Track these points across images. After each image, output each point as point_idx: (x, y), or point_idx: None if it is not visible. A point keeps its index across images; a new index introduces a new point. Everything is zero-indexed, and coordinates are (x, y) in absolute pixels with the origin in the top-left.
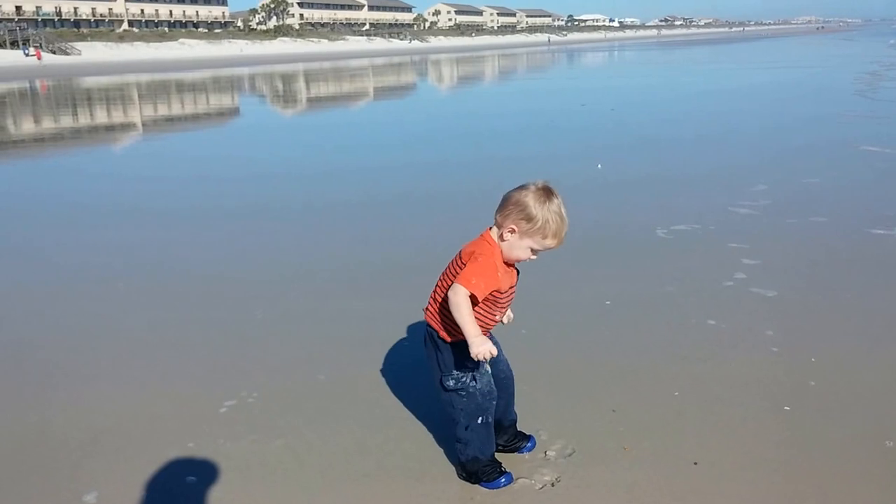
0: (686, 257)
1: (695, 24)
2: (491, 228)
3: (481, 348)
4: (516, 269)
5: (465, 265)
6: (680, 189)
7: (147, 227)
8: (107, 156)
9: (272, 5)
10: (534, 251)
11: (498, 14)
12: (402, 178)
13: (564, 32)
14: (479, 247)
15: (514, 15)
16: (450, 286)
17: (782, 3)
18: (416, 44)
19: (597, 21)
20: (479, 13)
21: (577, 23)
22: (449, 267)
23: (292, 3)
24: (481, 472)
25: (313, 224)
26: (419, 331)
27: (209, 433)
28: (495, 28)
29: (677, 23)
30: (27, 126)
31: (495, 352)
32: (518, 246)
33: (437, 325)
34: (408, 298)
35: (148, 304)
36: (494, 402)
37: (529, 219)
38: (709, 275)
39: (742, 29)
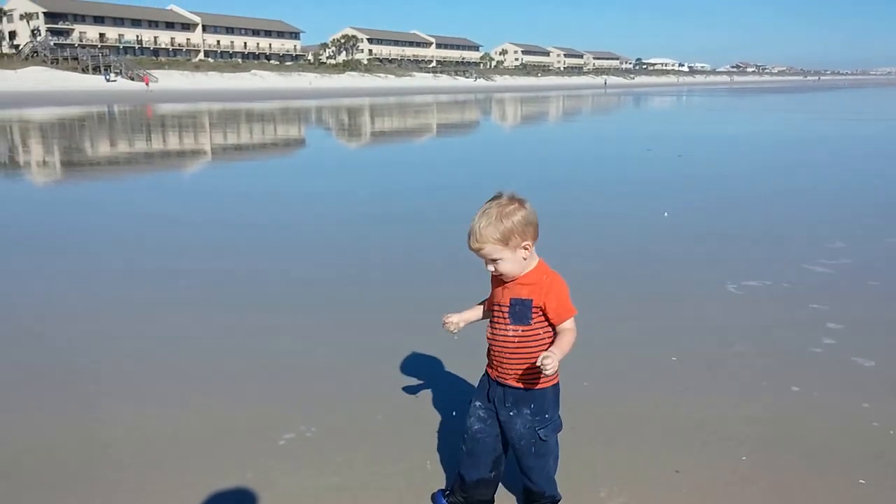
0: (760, 316)
1: (768, 71)
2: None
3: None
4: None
5: (543, 304)
6: (751, 242)
7: (204, 257)
8: (174, 181)
9: (342, 40)
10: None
11: (565, 55)
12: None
13: (632, 76)
14: (541, 276)
15: (581, 56)
16: (525, 329)
17: (861, 52)
18: (481, 82)
19: (665, 65)
20: (546, 53)
21: (645, 66)
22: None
23: (362, 39)
24: None
25: (377, 259)
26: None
27: (267, 465)
28: (562, 69)
29: (749, 69)
30: (102, 149)
31: None
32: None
33: (530, 378)
34: (471, 342)
35: (214, 333)
36: None
37: (536, 227)
38: (789, 337)
39: (818, 78)
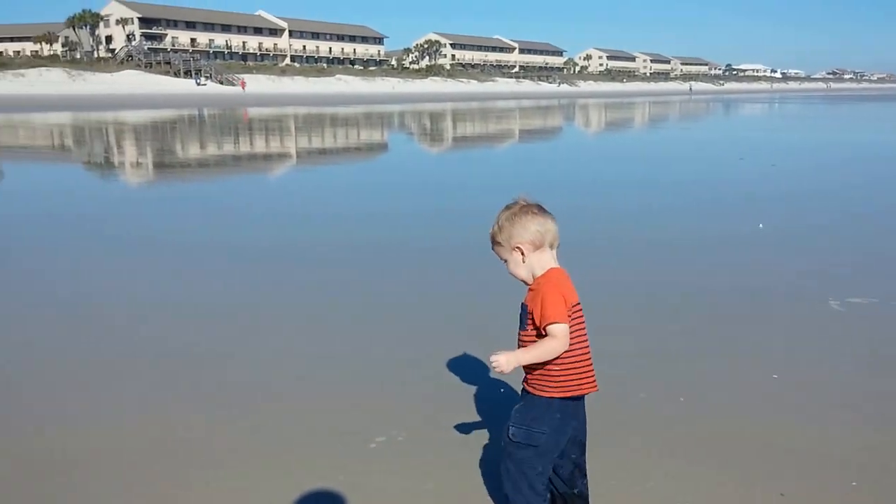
0: (866, 334)
1: (866, 78)
2: (553, 262)
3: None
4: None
5: (529, 306)
6: (853, 257)
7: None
8: (262, 184)
9: (426, 45)
10: None
11: (651, 61)
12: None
13: (721, 82)
14: (541, 282)
15: (668, 62)
16: (523, 333)
17: None
18: (564, 87)
19: (757, 71)
20: (632, 59)
21: (735, 72)
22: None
23: (445, 45)
24: None
25: (465, 264)
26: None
27: (359, 468)
28: (647, 74)
29: (846, 76)
30: (192, 150)
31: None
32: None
33: (528, 382)
34: None
35: (310, 338)
36: None
37: (543, 235)
38: None
39: None
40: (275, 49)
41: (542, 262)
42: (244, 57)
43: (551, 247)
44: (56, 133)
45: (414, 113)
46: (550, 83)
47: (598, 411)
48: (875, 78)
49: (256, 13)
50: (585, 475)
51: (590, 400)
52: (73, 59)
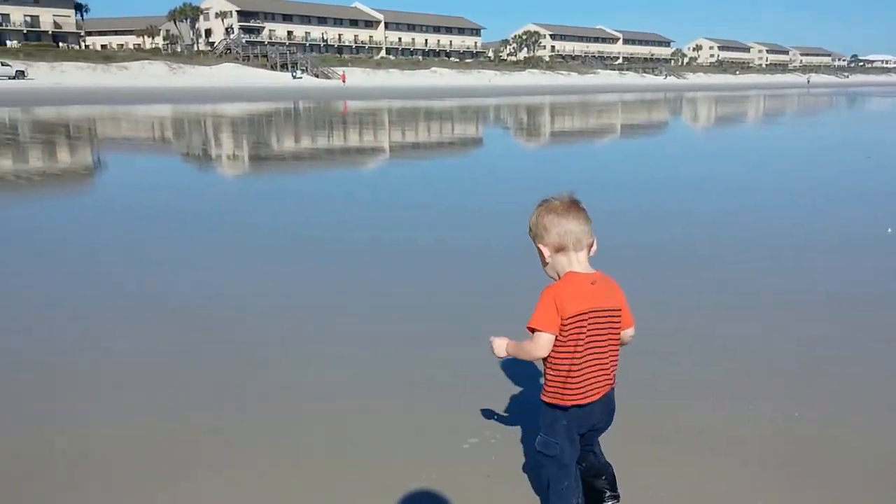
0: None
1: None
2: (575, 266)
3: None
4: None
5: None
6: None
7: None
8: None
9: (524, 37)
10: None
11: (767, 51)
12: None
13: (845, 74)
14: (614, 282)
15: (786, 52)
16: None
17: None
18: (671, 80)
19: (886, 62)
20: (746, 49)
21: (861, 63)
22: (610, 327)
23: (544, 35)
24: None
25: None
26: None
27: (452, 467)
28: (763, 66)
29: None
30: (286, 143)
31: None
32: None
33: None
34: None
35: (407, 341)
36: None
37: (564, 237)
38: None
39: None
40: (370, 41)
41: (561, 264)
42: (339, 50)
43: (575, 249)
44: (156, 125)
45: (510, 107)
46: (656, 75)
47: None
48: None
49: (353, 5)
50: (600, 456)
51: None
52: (173, 53)
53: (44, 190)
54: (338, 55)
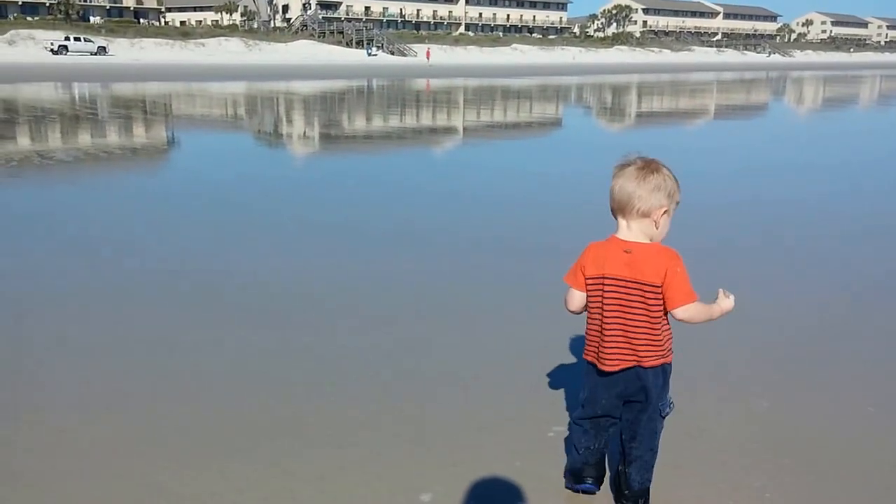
0: None
1: None
2: (619, 232)
3: (723, 308)
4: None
5: (659, 287)
6: None
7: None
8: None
9: (614, 11)
10: None
11: (888, 27)
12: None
13: None
14: (663, 257)
15: None
16: (652, 316)
17: None
18: (775, 58)
19: None
20: (864, 25)
21: None
22: (629, 299)
23: (636, 10)
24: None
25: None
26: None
27: (535, 456)
28: (882, 43)
29: None
30: (357, 123)
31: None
32: (668, 224)
33: (653, 358)
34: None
35: (479, 331)
36: None
37: (670, 194)
38: None
39: None
40: (449, 17)
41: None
42: (417, 26)
43: (620, 213)
44: (230, 102)
45: (592, 86)
46: (758, 53)
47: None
48: None
49: None
50: (630, 455)
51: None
52: (250, 29)
53: (114, 166)
54: (415, 31)
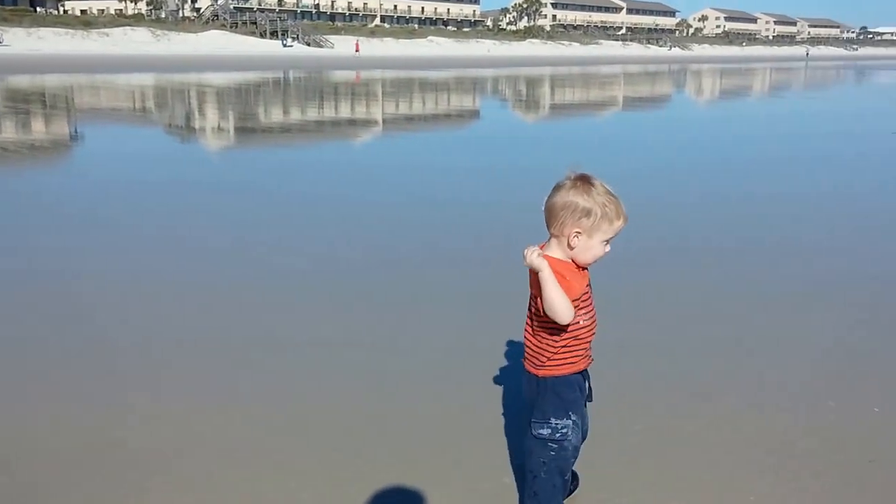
0: None
1: None
2: (545, 245)
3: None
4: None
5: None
6: None
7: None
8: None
9: (524, 5)
10: (607, 242)
11: (775, 22)
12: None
13: (854, 46)
14: (555, 264)
15: (794, 24)
16: (538, 318)
17: None
18: (676, 51)
19: None
20: (754, 20)
21: (871, 36)
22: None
23: (545, 4)
24: None
25: None
26: None
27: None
28: (770, 38)
29: None
30: (275, 115)
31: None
32: (590, 246)
33: (535, 365)
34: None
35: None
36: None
37: (588, 214)
38: None
39: None
40: (364, 9)
41: None
42: (332, 17)
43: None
44: (137, 95)
45: (509, 78)
46: (661, 47)
47: None
48: None
49: None
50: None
51: None
52: (157, 19)
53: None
54: (330, 23)
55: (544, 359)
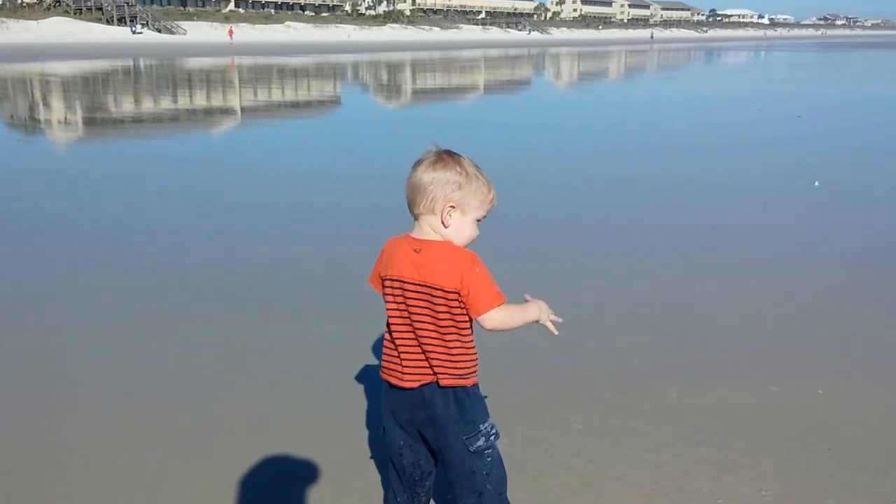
0: None
1: (860, 24)
2: (414, 231)
3: (540, 307)
4: None
5: (458, 292)
6: None
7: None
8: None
9: None
10: (478, 221)
11: (629, 6)
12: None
13: (704, 29)
14: (456, 258)
15: (647, 7)
16: (454, 325)
17: None
18: (535, 35)
19: (743, 17)
20: (609, 4)
21: (720, 18)
22: (427, 312)
23: None
24: None
25: None
26: None
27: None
28: (626, 21)
29: (839, 22)
30: (126, 105)
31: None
32: (465, 224)
33: (453, 377)
34: None
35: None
36: None
37: (459, 186)
38: None
39: None
40: None
41: None
42: (183, 2)
43: (411, 210)
44: None
45: (370, 63)
46: (520, 30)
47: None
48: (869, 24)
49: None
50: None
51: None
52: None
53: None
54: (181, 8)
55: (463, 366)
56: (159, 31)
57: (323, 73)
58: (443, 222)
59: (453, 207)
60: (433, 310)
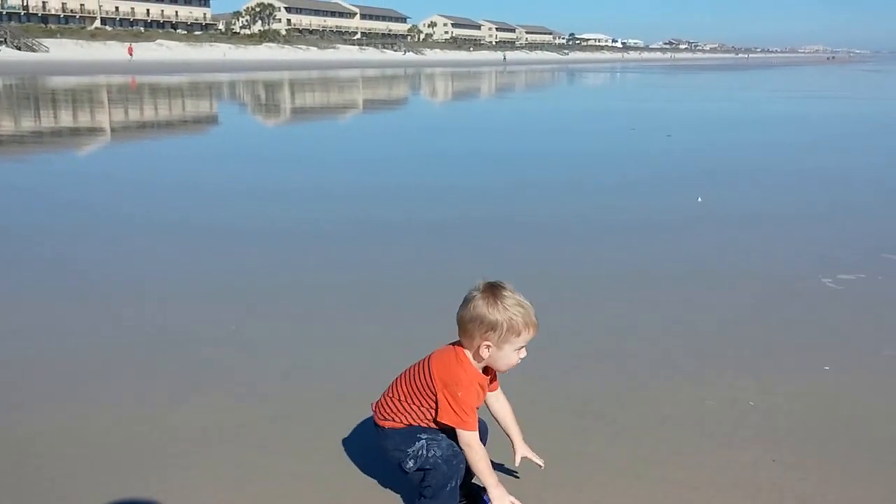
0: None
1: (700, 48)
2: (458, 345)
3: (504, 500)
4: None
5: (436, 392)
6: (809, 228)
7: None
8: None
9: (257, 9)
10: (519, 349)
11: (497, 29)
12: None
13: (566, 51)
14: (454, 375)
15: (513, 31)
16: (415, 389)
17: (789, 31)
18: (410, 56)
19: (599, 41)
20: (478, 27)
21: (578, 41)
22: (415, 372)
23: (279, 8)
24: None
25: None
26: None
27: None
28: (493, 43)
29: (682, 46)
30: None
31: None
32: (502, 356)
33: (388, 420)
34: None
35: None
36: (462, 465)
37: (494, 327)
38: None
39: (748, 56)
40: (81, 10)
41: None
42: (45, 19)
43: None
44: None
45: (247, 82)
46: (395, 51)
47: None
48: (708, 48)
49: None
50: None
51: None
52: None
53: None
54: (43, 25)
55: (404, 418)
56: (19, 48)
57: (199, 92)
58: (478, 355)
59: (489, 345)
60: (415, 382)
